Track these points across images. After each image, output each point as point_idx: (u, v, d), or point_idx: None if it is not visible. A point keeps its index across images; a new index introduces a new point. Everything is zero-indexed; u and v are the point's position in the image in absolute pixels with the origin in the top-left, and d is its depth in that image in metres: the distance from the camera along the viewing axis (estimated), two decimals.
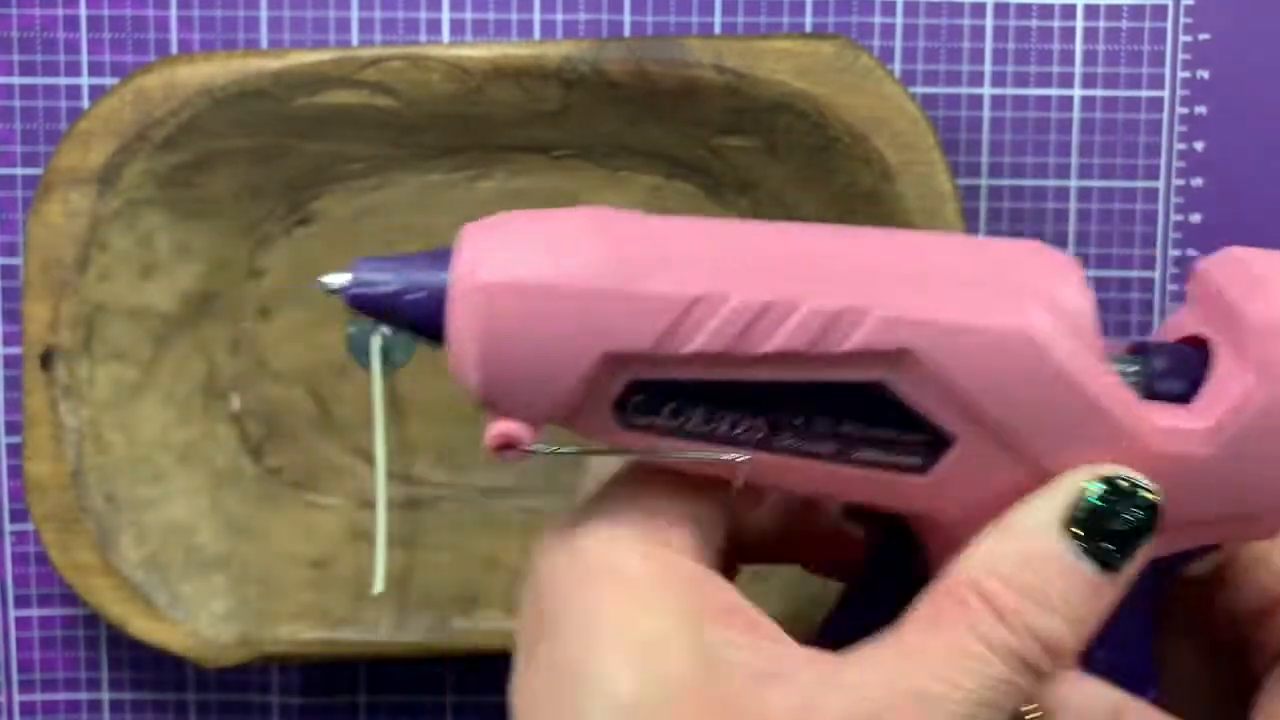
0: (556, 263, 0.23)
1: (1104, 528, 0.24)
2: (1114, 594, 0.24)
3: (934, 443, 0.24)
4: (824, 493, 0.27)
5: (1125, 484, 0.24)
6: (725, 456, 0.24)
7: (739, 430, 0.24)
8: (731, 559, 0.28)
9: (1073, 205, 0.48)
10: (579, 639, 0.22)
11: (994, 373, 0.23)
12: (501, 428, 0.23)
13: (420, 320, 0.24)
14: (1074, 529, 0.24)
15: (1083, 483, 0.24)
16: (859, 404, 0.24)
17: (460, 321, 0.23)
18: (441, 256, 0.24)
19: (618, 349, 0.23)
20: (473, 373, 0.23)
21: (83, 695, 0.48)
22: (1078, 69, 0.47)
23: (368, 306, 0.24)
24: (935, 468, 0.25)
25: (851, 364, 0.23)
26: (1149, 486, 0.24)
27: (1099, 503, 0.24)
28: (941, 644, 0.22)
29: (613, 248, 0.23)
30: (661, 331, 0.23)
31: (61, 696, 0.48)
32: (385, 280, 0.24)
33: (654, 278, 0.23)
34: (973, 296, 0.24)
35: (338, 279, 0.24)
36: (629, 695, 0.21)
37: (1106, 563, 0.24)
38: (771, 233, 0.25)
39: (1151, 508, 0.24)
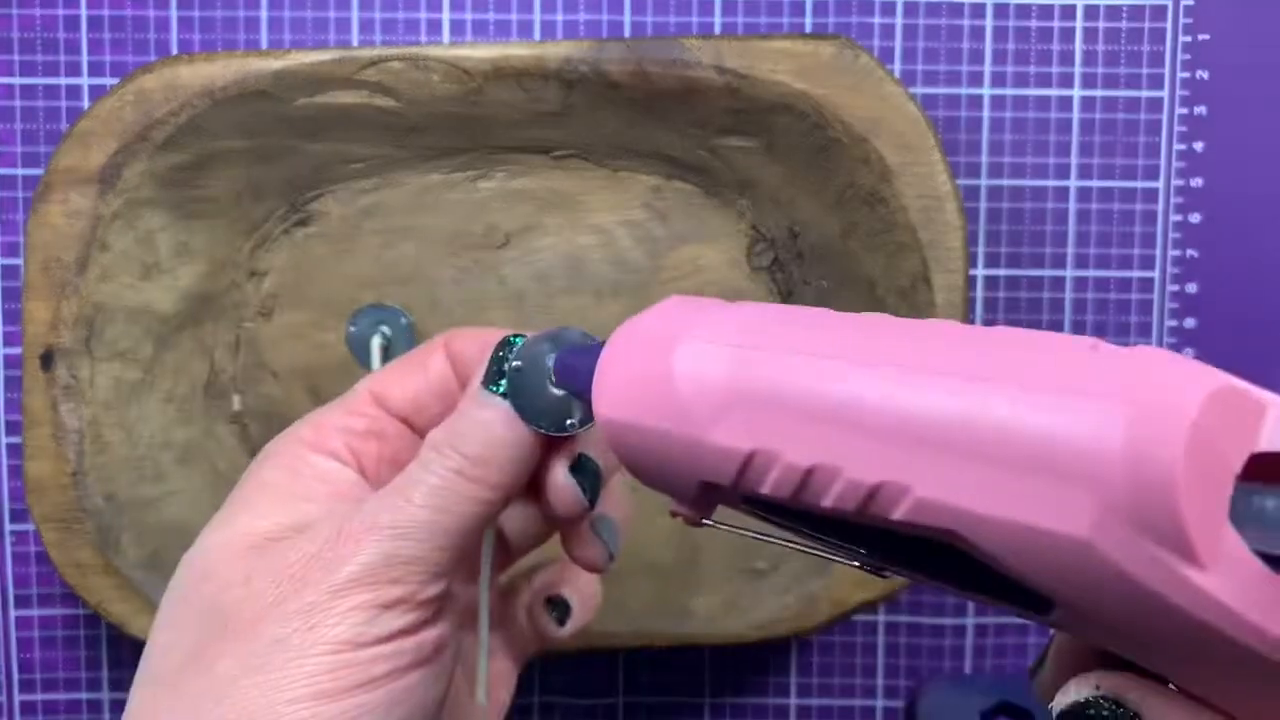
0: (651, 405, 0.25)
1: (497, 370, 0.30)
2: (513, 419, 0.30)
3: (1037, 597, 0.21)
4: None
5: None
6: (851, 562, 0.24)
7: (846, 549, 0.24)
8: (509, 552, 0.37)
9: (1072, 205, 0.48)
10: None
11: (1057, 572, 0.20)
12: (672, 508, 0.26)
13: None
14: (491, 385, 0.30)
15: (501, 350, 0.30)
16: (948, 553, 0.22)
17: (603, 434, 0.26)
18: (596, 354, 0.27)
19: (709, 480, 0.24)
20: (618, 457, 0.26)
21: (83, 695, 0.48)
22: (1077, 69, 0.47)
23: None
24: (1054, 614, 0.21)
25: (910, 527, 0.21)
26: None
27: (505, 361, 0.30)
28: (405, 477, 0.30)
29: (691, 387, 0.24)
30: (734, 474, 0.24)
31: (62, 696, 0.48)
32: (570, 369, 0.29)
33: (719, 427, 0.24)
34: (1030, 484, 0.20)
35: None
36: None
37: (500, 393, 0.30)
38: (830, 367, 0.23)
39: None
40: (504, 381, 0.30)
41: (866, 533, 0.23)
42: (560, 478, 0.31)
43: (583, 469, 0.31)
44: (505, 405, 0.30)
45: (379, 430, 0.34)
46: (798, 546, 0.26)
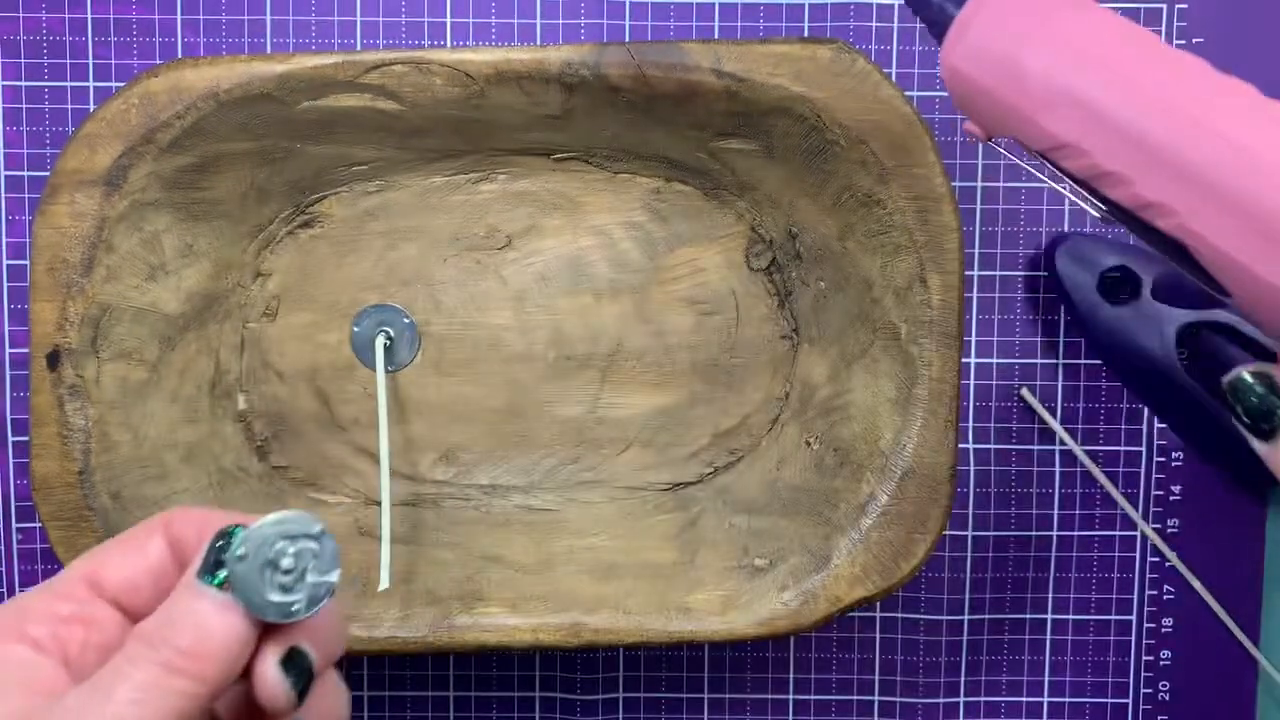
0: (999, 74, 0.32)
1: (217, 560, 0.29)
2: (229, 610, 0.29)
3: None
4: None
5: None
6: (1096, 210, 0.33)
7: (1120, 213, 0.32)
8: None
9: (1067, 208, 0.48)
10: None
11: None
12: (968, 126, 0.34)
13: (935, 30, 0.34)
14: (207, 575, 0.29)
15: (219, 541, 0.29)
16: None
17: (946, 81, 0.33)
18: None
19: (1023, 140, 0.32)
20: (952, 95, 0.33)
21: None
22: None
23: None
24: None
25: (1144, 212, 0.30)
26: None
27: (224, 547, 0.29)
28: (109, 670, 0.28)
29: (1039, 80, 0.31)
30: (1046, 149, 0.32)
31: None
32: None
33: (1050, 115, 0.31)
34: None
35: None
36: None
37: (215, 583, 0.29)
38: (1151, 104, 0.30)
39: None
40: (221, 572, 0.29)
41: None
42: (270, 672, 0.29)
43: (295, 664, 0.30)
44: (221, 596, 0.29)
45: (87, 616, 0.31)
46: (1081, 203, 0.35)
